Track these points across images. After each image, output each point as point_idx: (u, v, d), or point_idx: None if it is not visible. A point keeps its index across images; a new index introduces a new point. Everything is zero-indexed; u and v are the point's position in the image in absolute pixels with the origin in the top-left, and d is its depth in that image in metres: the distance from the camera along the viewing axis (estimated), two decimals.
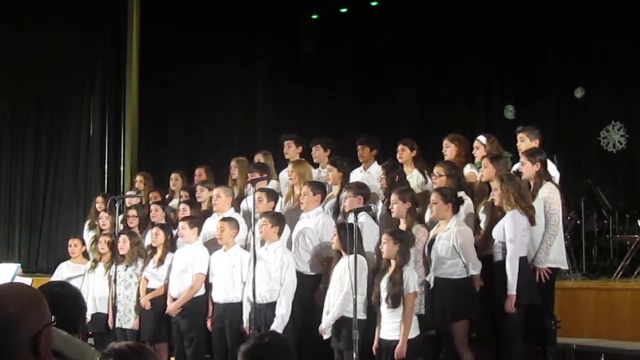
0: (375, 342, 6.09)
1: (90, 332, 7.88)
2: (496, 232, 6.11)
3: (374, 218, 6.90)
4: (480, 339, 6.45)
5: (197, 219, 7.65)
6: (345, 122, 12.93)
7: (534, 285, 6.08)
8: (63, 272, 8.48)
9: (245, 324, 6.84)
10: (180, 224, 7.56)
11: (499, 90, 12.72)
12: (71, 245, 8.67)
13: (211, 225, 7.59)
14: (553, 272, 6.29)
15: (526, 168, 6.38)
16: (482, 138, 7.23)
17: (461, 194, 6.42)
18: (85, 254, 8.68)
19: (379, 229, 6.72)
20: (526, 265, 6.06)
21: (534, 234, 6.17)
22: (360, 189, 6.84)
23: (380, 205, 6.98)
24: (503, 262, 6.00)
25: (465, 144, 7.32)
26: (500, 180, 6.11)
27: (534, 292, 6.04)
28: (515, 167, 6.79)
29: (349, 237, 5.91)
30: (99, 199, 9.36)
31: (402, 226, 6.37)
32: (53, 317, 2.13)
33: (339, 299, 6.26)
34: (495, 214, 6.23)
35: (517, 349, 6.05)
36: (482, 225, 6.44)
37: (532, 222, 6.07)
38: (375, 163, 7.74)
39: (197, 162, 9.59)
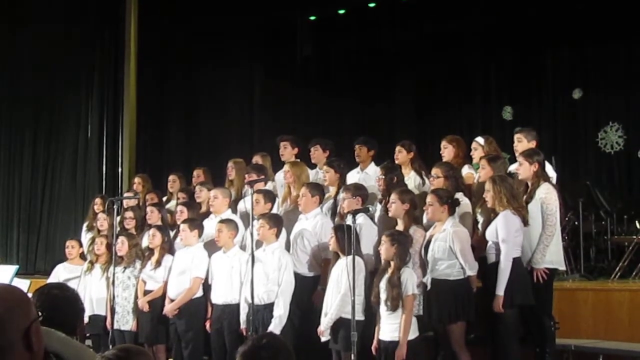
0: (375, 343, 6.09)
1: (88, 334, 7.87)
2: (489, 233, 6.11)
3: (372, 219, 6.90)
4: (477, 340, 6.45)
5: (198, 221, 7.64)
6: (343, 124, 12.94)
7: (528, 285, 6.08)
8: (60, 273, 8.47)
9: (243, 325, 6.83)
10: (181, 226, 7.55)
11: (497, 91, 12.76)
12: (68, 246, 8.66)
13: (209, 227, 7.59)
14: (550, 273, 6.29)
15: (524, 169, 6.38)
16: (480, 139, 7.24)
17: (459, 195, 6.42)
18: (82, 256, 8.67)
19: (377, 230, 6.72)
20: (520, 266, 6.06)
21: (531, 234, 6.17)
22: (359, 190, 6.84)
23: (378, 206, 6.98)
24: (496, 263, 6.00)
25: (463, 145, 7.32)
26: (492, 181, 6.11)
27: (527, 292, 6.04)
28: (513, 167, 6.79)
29: (347, 238, 5.91)
30: (98, 200, 9.36)
31: (400, 227, 6.38)
32: (46, 316, 2.16)
33: (337, 300, 6.26)
34: (490, 215, 6.23)
35: (513, 350, 6.05)
36: (480, 226, 6.44)
37: (525, 222, 6.07)
38: (373, 164, 7.75)
39: (195, 163, 9.59)
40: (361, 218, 6.47)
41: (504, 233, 5.96)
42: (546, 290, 6.28)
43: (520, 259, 6.08)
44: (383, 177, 6.96)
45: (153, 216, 8.10)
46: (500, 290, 5.90)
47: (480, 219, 6.47)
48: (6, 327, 2.01)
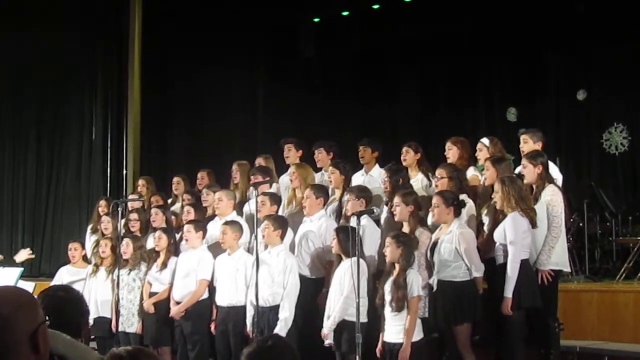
0: (380, 346, 6.09)
1: (93, 336, 7.88)
2: (497, 235, 6.11)
3: (377, 221, 6.90)
4: (483, 342, 6.44)
5: (203, 223, 7.65)
6: (347, 126, 12.94)
7: (536, 288, 6.08)
8: (63, 276, 8.48)
9: (249, 328, 6.83)
10: (186, 227, 7.56)
11: (501, 92, 12.73)
12: (71, 249, 8.67)
13: (214, 229, 7.60)
14: (556, 275, 6.28)
15: (528, 171, 6.38)
16: (485, 140, 7.23)
17: (463, 196, 6.42)
18: (85, 258, 8.68)
19: (383, 232, 6.71)
20: (528, 268, 6.05)
21: (537, 236, 6.16)
22: (363, 192, 6.83)
23: (384, 208, 6.97)
24: (505, 265, 6.00)
25: (468, 147, 7.31)
26: (501, 183, 6.11)
27: (535, 295, 6.03)
28: (518, 170, 6.78)
29: (351, 240, 5.90)
30: (102, 203, 9.38)
31: (406, 229, 6.37)
32: (52, 318, 2.17)
33: (340, 303, 6.26)
34: (498, 217, 6.22)
35: (519, 352, 6.04)
36: (485, 228, 6.44)
37: (533, 224, 6.06)
38: (377, 166, 7.75)
39: (199, 166, 9.59)
40: (364, 220, 6.46)
41: (512, 235, 5.95)
42: (551, 292, 6.28)
43: (529, 261, 6.07)
44: (388, 179, 6.95)
45: (158, 219, 8.11)
46: (509, 293, 5.90)
47: (486, 220, 6.46)
48: (13, 328, 2.02)
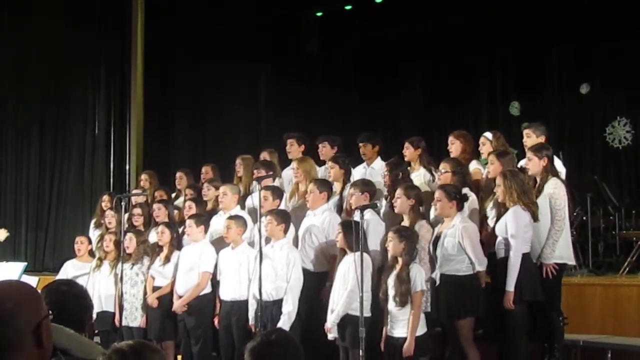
0: (383, 340, 6.09)
1: (96, 330, 7.90)
2: (499, 229, 6.10)
3: (379, 215, 6.89)
4: (486, 335, 6.44)
5: (204, 217, 7.65)
6: (349, 120, 12.93)
7: (537, 281, 6.08)
8: (68, 270, 8.50)
9: (252, 322, 6.84)
10: (187, 221, 7.57)
11: (504, 86, 12.73)
12: (77, 242, 8.68)
13: (218, 223, 7.60)
14: (560, 268, 6.28)
15: (533, 164, 6.37)
16: (488, 134, 7.23)
17: (465, 190, 6.42)
18: (91, 253, 8.69)
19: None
20: (529, 262, 6.05)
21: (540, 229, 6.16)
22: (366, 186, 6.83)
23: (384, 202, 6.97)
24: (506, 258, 5.99)
25: (471, 141, 7.31)
26: (503, 176, 6.10)
27: (537, 288, 6.03)
28: (521, 163, 6.78)
29: (355, 234, 5.90)
30: (105, 197, 9.40)
31: (405, 222, 6.37)
32: (55, 312, 2.18)
33: (343, 297, 6.26)
34: (500, 211, 6.22)
35: (521, 345, 6.04)
36: (490, 221, 6.43)
37: (534, 218, 6.06)
38: (379, 159, 7.75)
39: (203, 160, 9.60)
40: (369, 214, 6.46)
41: (514, 228, 5.95)
42: (555, 285, 6.28)
43: (530, 254, 6.07)
44: (388, 173, 6.95)
45: (160, 213, 8.12)
46: (510, 286, 5.90)
47: (489, 214, 6.46)
48: (17, 322, 2.02)
